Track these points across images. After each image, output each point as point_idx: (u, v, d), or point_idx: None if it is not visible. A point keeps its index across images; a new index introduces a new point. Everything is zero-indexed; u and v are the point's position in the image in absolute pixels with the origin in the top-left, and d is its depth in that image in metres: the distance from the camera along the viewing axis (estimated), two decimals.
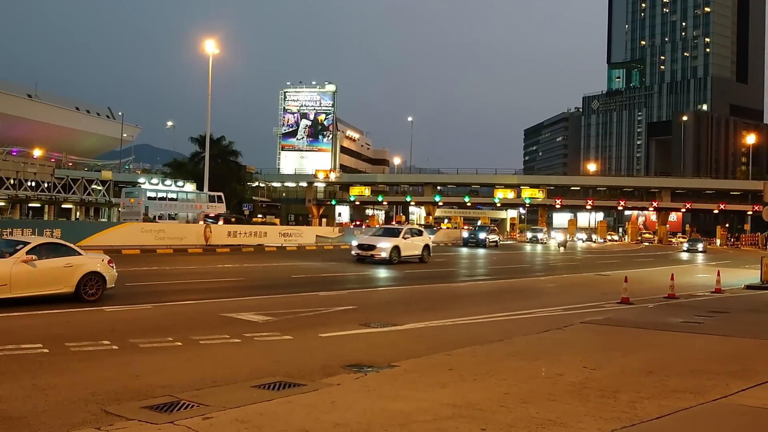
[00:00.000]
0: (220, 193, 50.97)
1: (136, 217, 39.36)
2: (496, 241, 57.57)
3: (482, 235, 55.20)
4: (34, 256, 12.91)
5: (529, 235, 76.60)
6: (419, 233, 31.48)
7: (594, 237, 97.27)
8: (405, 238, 29.51)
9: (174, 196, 45.52)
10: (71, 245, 14.29)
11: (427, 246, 30.92)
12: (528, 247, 62.07)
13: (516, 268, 32.85)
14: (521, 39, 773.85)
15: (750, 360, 10.15)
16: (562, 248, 58.27)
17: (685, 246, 67.47)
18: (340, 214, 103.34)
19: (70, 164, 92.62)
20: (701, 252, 62.11)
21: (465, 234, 57.57)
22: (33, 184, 55.17)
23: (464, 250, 47.58)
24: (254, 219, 69.13)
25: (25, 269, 12.72)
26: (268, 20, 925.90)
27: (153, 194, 43.39)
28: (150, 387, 7.50)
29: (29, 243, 13.29)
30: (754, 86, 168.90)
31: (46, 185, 55.48)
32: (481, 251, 47.61)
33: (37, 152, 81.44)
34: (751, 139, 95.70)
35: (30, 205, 56.77)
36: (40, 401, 6.83)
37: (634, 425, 6.30)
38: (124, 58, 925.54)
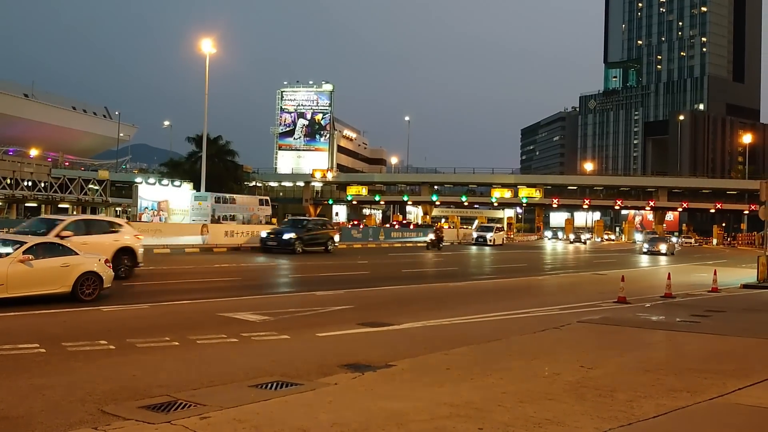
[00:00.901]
0: (267, 197, 55.57)
1: (205, 219, 43.50)
2: (325, 244, 36.85)
3: (288, 235, 34.27)
4: (30, 256, 12.89)
5: (474, 235, 58.22)
6: (107, 226, 19.60)
7: (584, 237, 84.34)
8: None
9: (234, 199, 50.49)
10: (68, 245, 14.28)
11: (124, 251, 18.77)
12: (417, 252, 41.56)
13: None
14: (518, 38, 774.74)
15: (747, 359, 10.17)
16: (435, 250, 43.27)
17: (645, 247, 53.29)
18: (337, 214, 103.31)
19: (67, 164, 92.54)
20: (665, 254, 49.72)
21: (263, 233, 36.04)
22: (29, 183, 55.01)
23: (260, 259, 30.23)
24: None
25: (22, 269, 12.69)
26: (266, 17, 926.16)
27: (218, 198, 48.36)
28: (147, 387, 7.49)
29: (26, 243, 13.28)
30: (750, 85, 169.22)
31: (42, 185, 55.32)
32: (283, 262, 28.73)
33: (34, 152, 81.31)
34: (747, 138, 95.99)
35: (27, 204, 56.68)
36: (37, 401, 6.82)
37: (631, 424, 6.31)
38: (122, 56, 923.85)
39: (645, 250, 52.19)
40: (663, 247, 51.42)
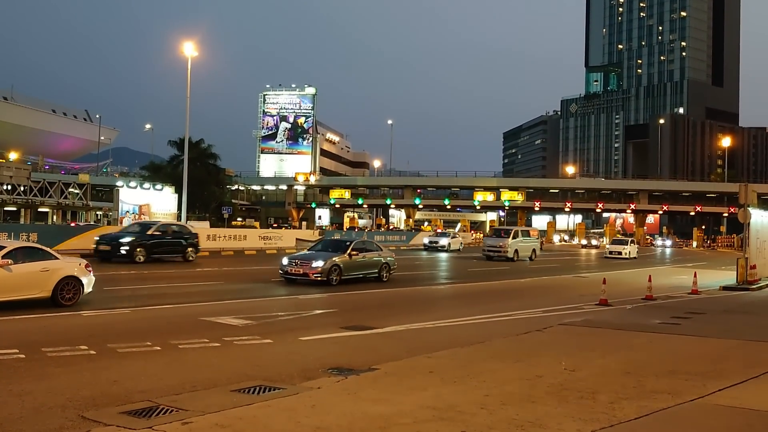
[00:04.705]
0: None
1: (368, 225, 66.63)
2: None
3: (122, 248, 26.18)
4: (9, 261, 12.74)
5: (426, 240, 51.71)
6: None
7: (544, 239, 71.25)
8: None
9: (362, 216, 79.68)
10: (48, 249, 14.13)
11: None
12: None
13: None
14: (500, 42, 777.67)
15: (726, 360, 10.26)
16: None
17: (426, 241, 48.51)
18: (320, 217, 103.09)
19: (47, 167, 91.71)
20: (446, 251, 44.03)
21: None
22: (9, 187, 54.50)
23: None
24: (234, 222, 68.83)
25: (1, 274, 12.55)
26: (251, 17, 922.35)
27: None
28: (128, 392, 7.43)
29: (5, 247, 13.11)
30: (729, 89, 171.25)
31: (22, 188, 54.89)
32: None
33: (13, 155, 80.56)
34: (726, 141, 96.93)
35: (6, 208, 56.15)
36: (16, 407, 6.75)
37: (613, 426, 6.35)
38: (105, 56, 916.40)
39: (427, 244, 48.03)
40: (444, 241, 46.99)
